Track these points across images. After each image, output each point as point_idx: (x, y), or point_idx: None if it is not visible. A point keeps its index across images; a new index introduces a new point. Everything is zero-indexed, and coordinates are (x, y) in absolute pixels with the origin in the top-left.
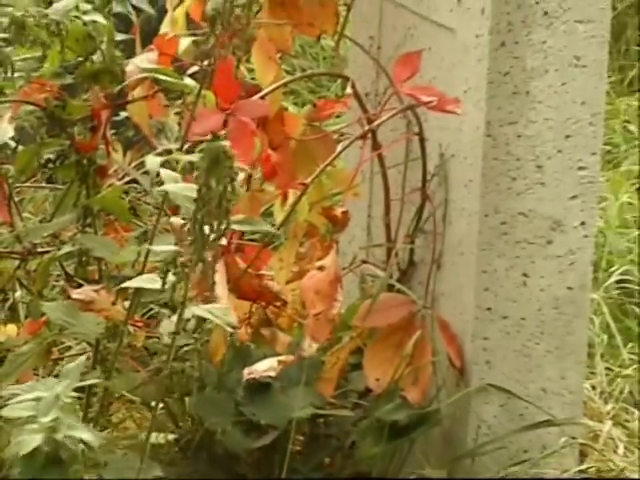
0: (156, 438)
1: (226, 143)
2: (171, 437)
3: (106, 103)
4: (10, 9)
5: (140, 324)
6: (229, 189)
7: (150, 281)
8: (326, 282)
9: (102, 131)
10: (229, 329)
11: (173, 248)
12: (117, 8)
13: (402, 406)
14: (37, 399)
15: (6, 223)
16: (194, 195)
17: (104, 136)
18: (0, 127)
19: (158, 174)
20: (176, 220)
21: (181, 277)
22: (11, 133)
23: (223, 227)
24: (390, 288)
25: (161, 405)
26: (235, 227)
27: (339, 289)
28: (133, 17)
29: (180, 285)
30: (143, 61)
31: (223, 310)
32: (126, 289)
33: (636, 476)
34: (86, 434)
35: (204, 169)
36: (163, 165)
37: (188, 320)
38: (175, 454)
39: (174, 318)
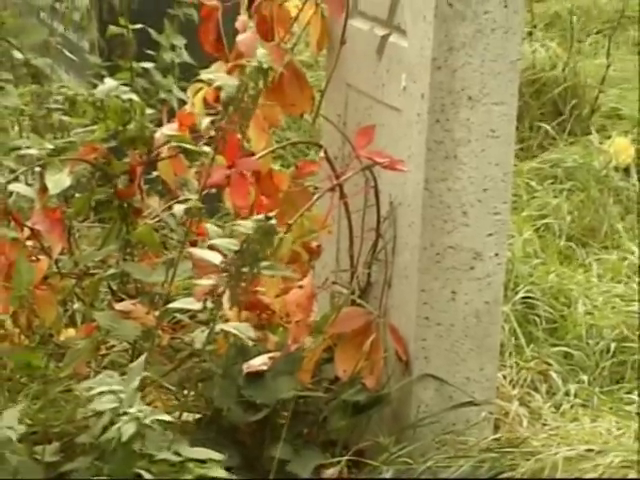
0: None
1: (274, 222)
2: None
3: (140, 161)
4: (64, 89)
5: (166, 329)
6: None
7: (191, 303)
8: (304, 297)
9: (137, 182)
10: (250, 342)
11: (210, 282)
12: (162, 95)
13: (362, 390)
14: (113, 392)
15: (66, 252)
16: (235, 248)
17: (139, 186)
18: (60, 178)
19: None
20: (194, 251)
21: (218, 304)
22: (68, 183)
23: (255, 271)
24: (353, 303)
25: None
26: (265, 272)
27: (314, 303)
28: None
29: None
30: (168, 130)
31: (245, 327)
32: (155, 299)
33: (537, 444)
34: (162, 415)
35: (255, 239)
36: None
37: (217, 333)
38: (190, 426)
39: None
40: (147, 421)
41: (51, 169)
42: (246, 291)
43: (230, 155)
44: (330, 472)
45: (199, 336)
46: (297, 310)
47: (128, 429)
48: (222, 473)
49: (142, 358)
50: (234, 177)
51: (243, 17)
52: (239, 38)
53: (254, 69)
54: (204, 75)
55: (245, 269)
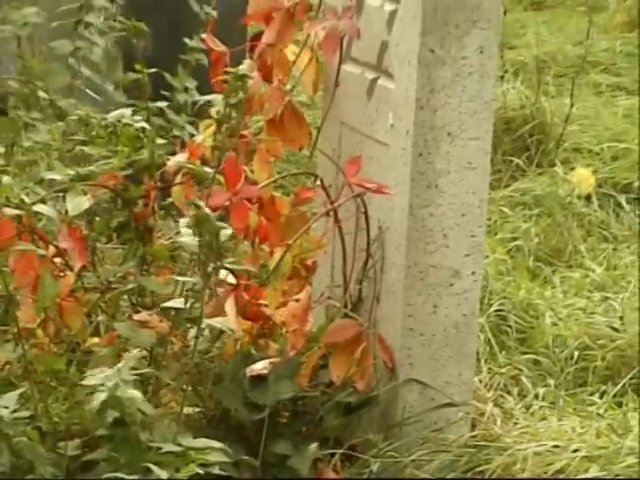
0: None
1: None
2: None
3: (154, 187)
4: (79, 111)
5: (178, 336)
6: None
7: (178, 303)
8: (300, 309)
9: (152, 206)
10: (231, 333)
11: (193, 280)
12: (175, 132)
13: (353, 393)
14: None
15: (90, 268)
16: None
17: (153, 209)
18: (79, 201)
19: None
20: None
21: (196, 298)
22: (87, 205)
23: (218, 264)
24: (346, 315)
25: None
26: (228, 266)
27: (310, 314)
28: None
29: (198, 304)
30: (179, 158)
31: (225, 321)
32: (169, 310)
33: (509, 440)
34: (140, 399)
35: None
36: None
37: (203, 329)
38: (202, 423)
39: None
40: (119, 393)
41: (72, 193)
42: (216, 284)
43: (231, 181)
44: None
45: (192, 333)
46: (293, 320)
47: (100, 396)
48: (222, 457)
49: (134, 352)
50: (235, 201)
51: (247, 61)
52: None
53: (232, 76)
54: (213, 111)
55: (210, 263)
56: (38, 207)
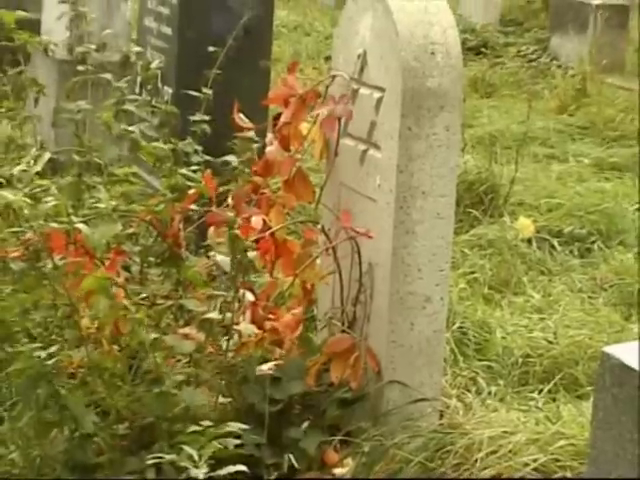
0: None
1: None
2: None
3: (179, 211)
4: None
5: (213, 344)
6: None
7: (213, 313)
8: (293, 321)
9: (176, 229)
10: (251, 336)
11: (222, 293)
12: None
13: (349, 391)
14: None
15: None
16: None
17: (177, 231)
18: (112, 227)
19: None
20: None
21: (228, 309)
22: (117, 231)
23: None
24: (343, 331)
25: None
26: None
27: (300, 325)
28: None
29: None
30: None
31: (248, 327)
32: (205, 323)
33: (469, 427)
34: None
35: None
36: None
37: (233, 334)
38: (232, 413)
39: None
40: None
41: (108, 220)
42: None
43: (239, 207)
44: (339, 471)
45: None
46: (287, 329)
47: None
48: (236, 429)
49: None
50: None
51: (270, 135)
52: (268, 149)
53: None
54: None
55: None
56: (80, 225)
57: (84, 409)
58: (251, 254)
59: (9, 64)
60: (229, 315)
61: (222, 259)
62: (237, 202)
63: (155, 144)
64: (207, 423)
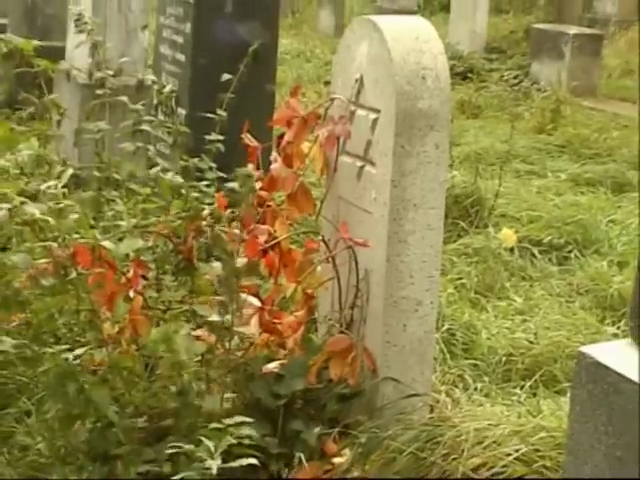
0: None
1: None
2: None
3: (195, 235)
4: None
5: (221, 346)
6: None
7: (215, 315)
8: (295, 322)
9: (190, 244)
10: (252, 337)
11: (221, 298)
12: (207, 175)
13: (347, 387)
14: None
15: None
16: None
17: (191, 248)
18: (134, 242)
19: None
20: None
21: (226, 311)
22: (139, 245)
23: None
24: (341, 332)
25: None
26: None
27: (302, 327)
28: None
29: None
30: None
31: (248, 328)
32: (216, 326)
33: (457, 420)
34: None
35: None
36: None
37: (234, 335)
38: (240, 407)
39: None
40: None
41: (129, 236)
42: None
43: (247, 224)
44: (338, 460)
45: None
46: (290, 329)
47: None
48: (252, 431)
49: None
50: (249, 238)
51: (274, 153)
52: (272, 167)
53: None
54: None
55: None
56: (104, 242)
57: (108, 401)
58: (241, 260)
59: (33, 88)
60: (228, 317)
61: (215, 264)
62: (246, 221)
63: (170, 177)
64: (228, 421)
